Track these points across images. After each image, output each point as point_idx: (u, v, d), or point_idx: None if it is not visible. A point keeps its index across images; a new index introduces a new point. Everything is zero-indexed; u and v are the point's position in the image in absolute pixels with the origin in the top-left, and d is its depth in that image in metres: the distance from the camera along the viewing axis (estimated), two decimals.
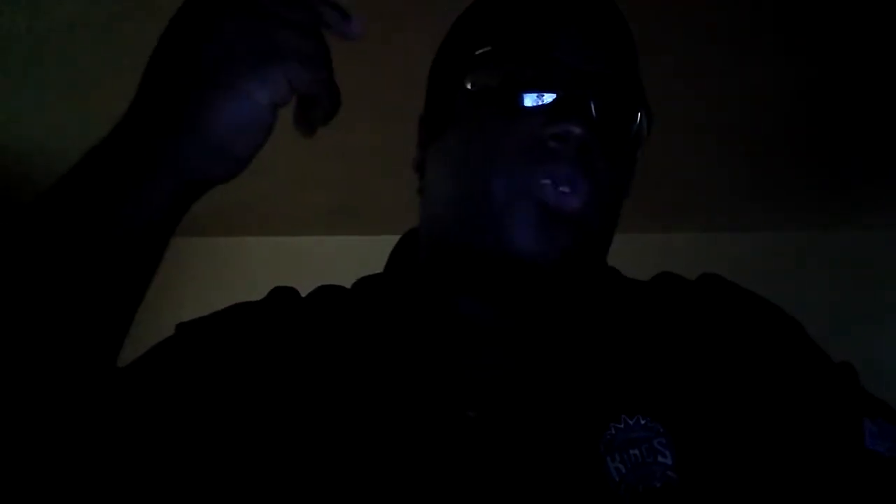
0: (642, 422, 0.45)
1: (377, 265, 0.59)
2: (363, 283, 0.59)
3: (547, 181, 0.47)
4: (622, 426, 0.45)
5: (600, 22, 0.53)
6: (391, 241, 0.59)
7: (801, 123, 1.95)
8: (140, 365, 0.50)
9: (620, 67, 0.52)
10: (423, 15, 1.45)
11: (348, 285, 0.59)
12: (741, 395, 0.47)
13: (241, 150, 0.40)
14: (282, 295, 0.58)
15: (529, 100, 0.49)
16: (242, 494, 0.46)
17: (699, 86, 1.79)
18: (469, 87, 0.51)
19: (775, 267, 2.38)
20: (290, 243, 2.65)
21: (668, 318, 0.52)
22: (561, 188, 0.47)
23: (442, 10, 0.62)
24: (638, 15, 1.62)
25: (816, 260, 2.50)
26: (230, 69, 0.38)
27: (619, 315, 0.53)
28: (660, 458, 0.44)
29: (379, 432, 0.46)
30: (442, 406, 0.47)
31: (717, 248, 2.38)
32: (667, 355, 0.49)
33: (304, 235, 2.65)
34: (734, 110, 1.89)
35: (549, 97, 0.48)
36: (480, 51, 0.51)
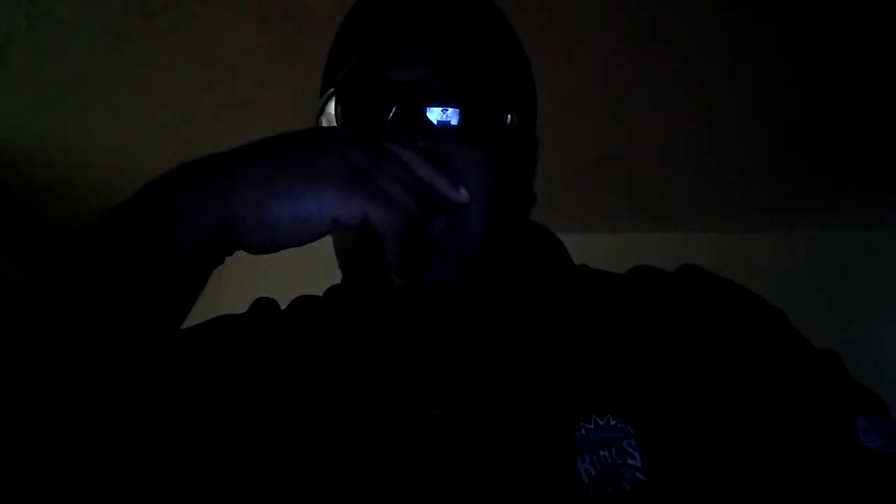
0: (612, 422, 0.45)
1: None
2: (332, 291, 0.60)
3: None
4: (592, 426, 0.45)
5: (428, 26, 0.51)
6: None
7: (801, 123, 1.94)
8: None
9: (459, 64, 0.50)
10: None
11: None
12: (717, 390, 0.46)
13: (282, 238, 0.40)
14: (263, 307, 0.59)
15: (368, 131, 0.48)
16: (203, 495, 0.46)
17: (699, 86, 1.78)
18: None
19: (775, 267, 2.38)
20: None
21: (643, 312, 0.51)
22: None
23: None
24: (638, 16, 1.62)
25: (816, 260, 2.50)
26: (320, 171, 0.40)
27: (589, 312, 0.52)
28: (629, 461, 0.43)
29: (342, 431, 0.46)
30: (403, 403, 0.47)
31: (717, 248, 2.38)
32: (640, 352, 0.48)
33: None
34: (734, 110, 1.89)
35: (387, 117, 0.48)
36: (321, 99, 0.52)
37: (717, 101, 1.85)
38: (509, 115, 0.51)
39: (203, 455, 0.47)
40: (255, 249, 0.41)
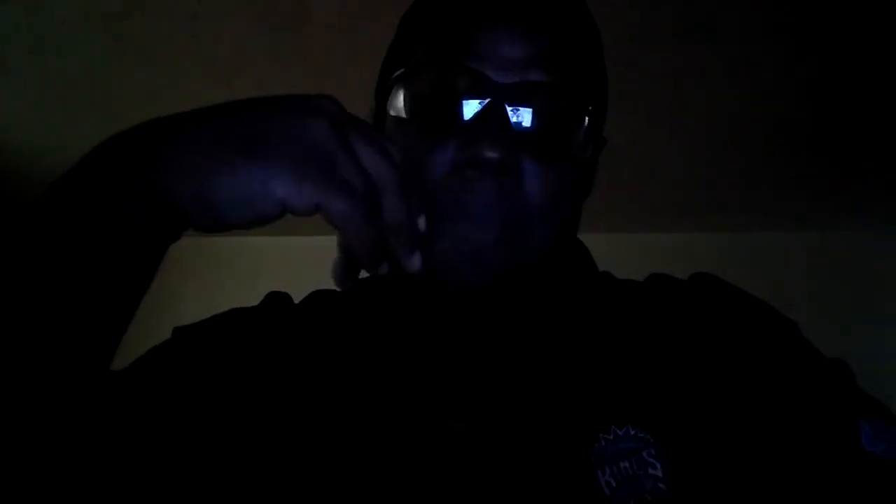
0: (632, 432, 0.44)
1: None
2: (353, 287, 0.59)
3: (464, 216, 0.45)
4: (612, 437, 0.44)
5: (531, 21, 0.48)
6: None
7: (801, 123, 1.94)
8: (137, 368, 0.50)
9: (554, 70, 0.47)
10: None
11: None
12: (733, 399, 0.46)
13: (226, 218, 0.37)
14: (276, 301, 0.57)
15: (443, 123, 0.46)
16: (231, 501, 0.45)
17: (699, 86, 1.78)
18: (391, 113, 0.49)
19: (776, 267, 2.38)
20: (290, 243, 2.65)
21: (659, 321, 0.51)
22: (479, 222, 0.45)
23: None
24: (638, 15, 1.62)
25: (817, 260, 2.51)
26: (272, 148, 0.36)
27: (607, 322, 0.51)
28: (650, 471, 0.43)
29: (365, 443, 0.46)
30: (428, 417, 0.46)
31: (717, 249, 2.38)
32: (656, 362, 0.48)
33: (304, 235, 2.65)
34: (734, 110, 1.89)
35: (468, 114, 0.45)
36: (396, 73, 0.48)
37: (717, 101, 1.85)
38: (593, 132, 0.48)
39: (213, 465, 0.46)
40: (203, 228, 0.38)
